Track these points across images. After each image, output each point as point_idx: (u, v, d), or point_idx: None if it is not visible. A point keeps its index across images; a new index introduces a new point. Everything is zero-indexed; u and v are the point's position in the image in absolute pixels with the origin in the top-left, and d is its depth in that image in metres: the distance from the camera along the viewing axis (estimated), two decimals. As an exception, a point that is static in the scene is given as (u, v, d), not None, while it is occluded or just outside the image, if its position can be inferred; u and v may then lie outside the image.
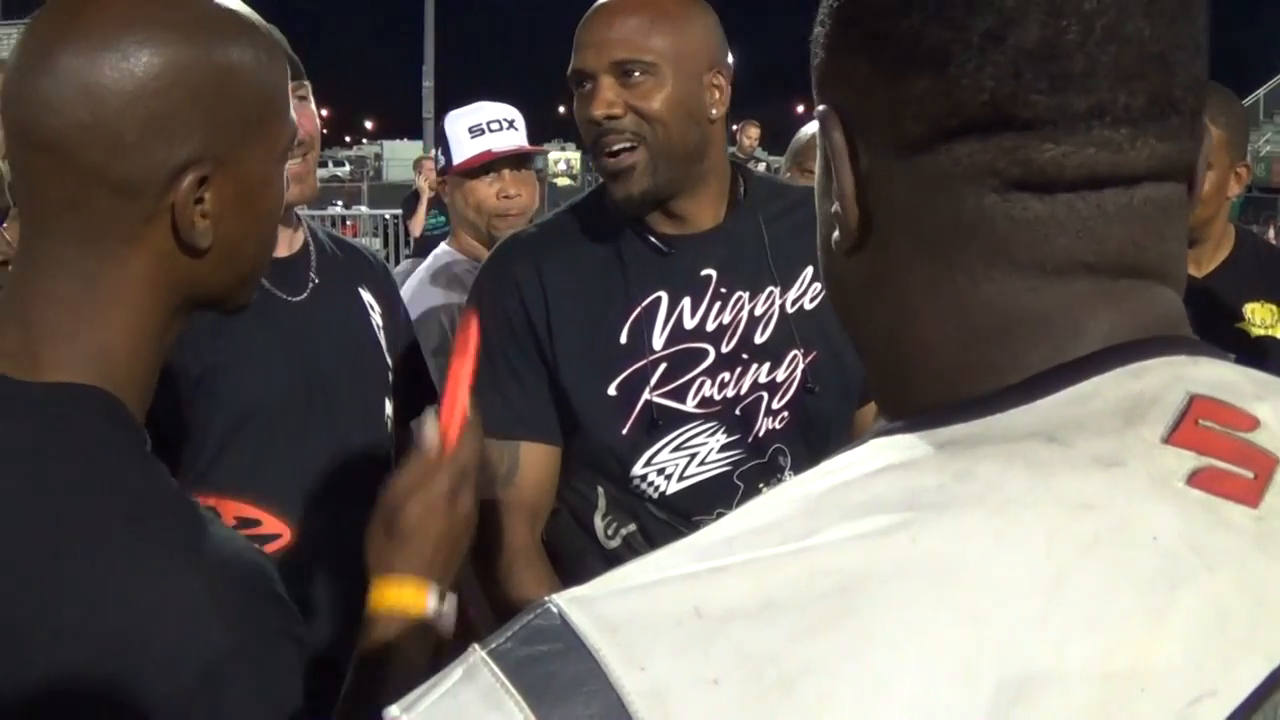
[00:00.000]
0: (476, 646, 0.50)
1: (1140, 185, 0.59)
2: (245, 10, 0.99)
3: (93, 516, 0.86)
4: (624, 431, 1.80)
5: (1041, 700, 0.46)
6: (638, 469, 1.81)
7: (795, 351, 1.86)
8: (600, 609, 0.49)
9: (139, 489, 0.90)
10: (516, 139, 2.94)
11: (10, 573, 0.83)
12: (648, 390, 1.80)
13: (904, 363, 0.64)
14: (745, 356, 1.84)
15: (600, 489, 1.86)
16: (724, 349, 1.83)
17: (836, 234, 0.66)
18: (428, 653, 1.14)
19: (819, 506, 0.52)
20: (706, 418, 1.82)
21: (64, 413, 0.90)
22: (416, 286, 2.82)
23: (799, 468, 1.68)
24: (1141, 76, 0.57)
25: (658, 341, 1.81)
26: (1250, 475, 0.53)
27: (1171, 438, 0.53)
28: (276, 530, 1.79)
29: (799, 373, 1.86)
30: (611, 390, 1.81)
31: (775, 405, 1.85)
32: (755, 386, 1.84)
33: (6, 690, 0.81)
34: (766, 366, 1.85)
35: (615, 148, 1.75)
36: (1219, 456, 0.53)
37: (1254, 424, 0.55)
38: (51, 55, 0.89)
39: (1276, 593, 0.51)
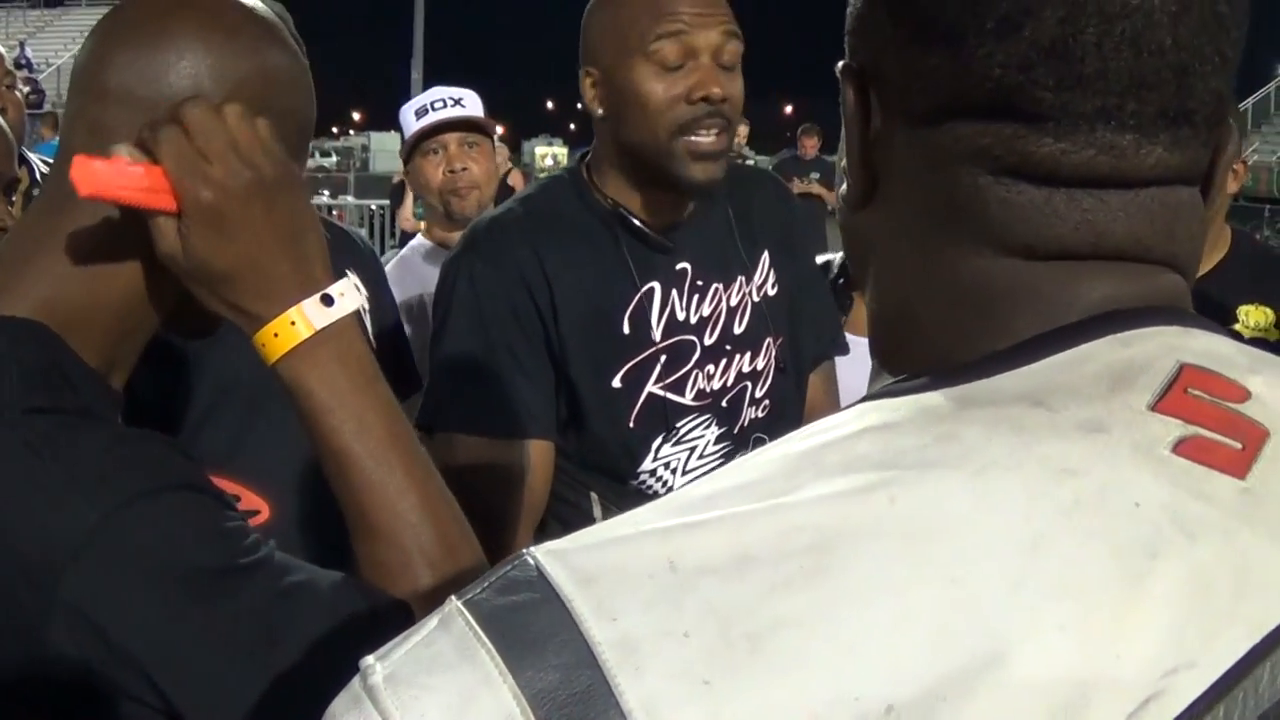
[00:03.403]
0: (454, 596, 0.50)
1: (1147, 188, 0.58)
2: (294, 43, 1.08)
3: None
4: (631, 424, 1.77)
5: (1015, 662, 0.46)
6: (647, 464, 1.78)
7: (768, 338, 1.86)
8: (576, 561, 0.49)
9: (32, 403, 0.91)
10: (462, 114, 2.86)
11: None
12: (651, 382, 1.77)
13: (898, 323, 0.64)
14: (728, 348, 1.83)
15: (593, 494, 1.82)
16: (708, 341, 1.81)
17: (844, 188, 0.66)
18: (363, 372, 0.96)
19: (799, 465, 0.52)
20: (701, 410, 1.80)
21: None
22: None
23: None
24: (1155, 86, 0.56)
25: (657, 333, 1.78)
26: (1238, 446, 0.53)
27: (1159, 405, 0.53)
28: (255, 506, 1.78)
29: (773, 359, 1.86)
30: (616, 382, 1.77)
31: (758, 394, 1.84)
32: (740, 377, 1.83)
33: None
34: (748, 356, 1.84)
35: (714, 130, 1.71)
36: (1207, 426, 0.53)
37: (1245, 395, 0.55)
38: (160, 36, 0.97)
39: (1261, 565, 0.50)
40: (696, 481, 0.53)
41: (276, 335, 0.93)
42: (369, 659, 0.50)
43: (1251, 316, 2.50)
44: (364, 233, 14.25)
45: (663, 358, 1.78)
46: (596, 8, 1.79)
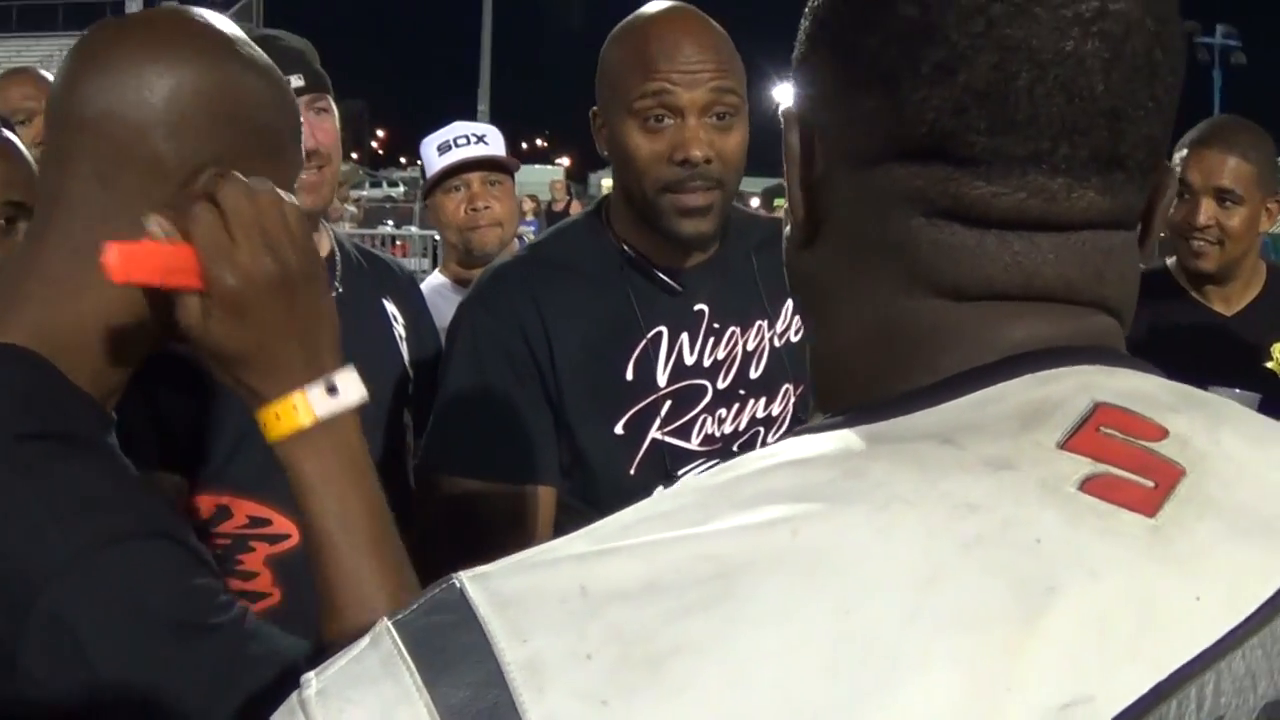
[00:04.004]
0: (385, 616, 0.52)
1: (1078, 232, 0.59)
2: (266, 61, 1.10)
3: None
4: (632, 471, 1.75)
5: (903, 694, 0.47)
6: None
7: (787, 385, 1.84)
8: (496, 584, 0.51)
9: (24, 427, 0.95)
10: (486, 152, 2.85)
11: None
12: (654, 429, 1.75)
13: (832, 361, 0.66)
14: (742, 392, 1.80)
15: None
16: (721, 385, 1.79)
17: (788, 228, 0.68)
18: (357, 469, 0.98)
19: (715, 497, 0.53)
20: (709, 455, 1.77)
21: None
22: None
23: None
24: (1086, 131, 0.57)
25: (662, 378, 1.76)
26: (1150, 485, 0.53)
27: (1068, 443, 0.54)
28: (286, 530, 1.82)
29: (790, 406, 1.83)
30: (619, 429, 1.75)
31: (771, 440, 1.80)
32: (753, 422, 1.81)
33: None
34: (763, 402, 1.82)
35: (698, 190, 1.68)
36: (1117, 464, 0.54)
37: (1162, 434, 0.55)
38: (117, 58, 1.01)
39: (1167, 603, 0.51)
40: (620, 511, 0.55)
41: (278, 417, 0.97)
42: (309, 674, 0.52)
43: None
44: (427, 262, 14.42)
45: (668, 403, 1.76)
46: (607, 45, 1.79)
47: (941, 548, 0.50)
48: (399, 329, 2.09)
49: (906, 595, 0.48)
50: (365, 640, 0.52)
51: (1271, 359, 2.44)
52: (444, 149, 2.84)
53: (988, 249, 0.59)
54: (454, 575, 0.52)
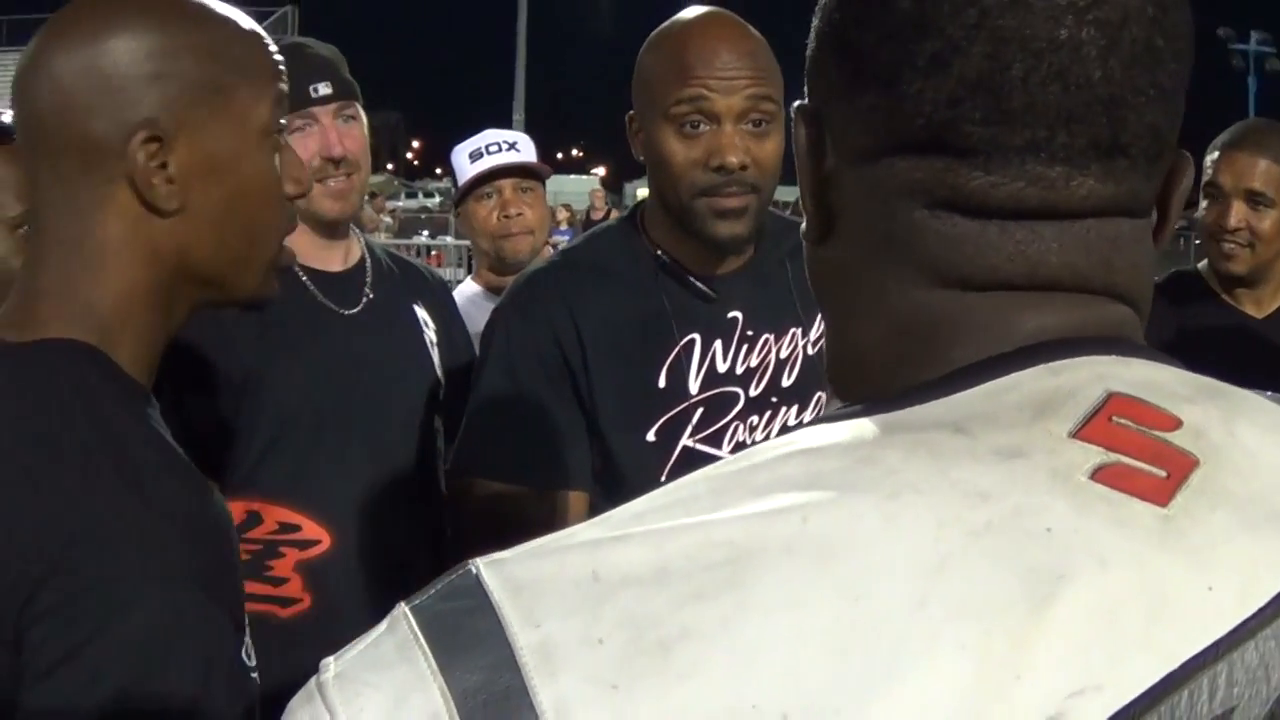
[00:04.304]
0: (403, 602, 0.53)
1: (1081, 220, 0.59)
2: (191, 9, 1.07)
3: (50, 445, 0.95)
4: (662, 479, 1.72)
5: (911, 681, 0.47)
6: None
7: (821, 393, 1.83)
8: (510, 570, 0.52)
9: (104, 424, 0.97)
10: (518, 159, 2.84)
11: None
12: (686, 436, 1.75)
13: (848, 354, 0.66)
14: (775, 400, 1.80)
15: None
16: (753, 393, 1.78)
17: (804, 224, 0.68)
18: None
19: (727, 485, 0.54)
20: None
21: (46, 360, 0.99)
22: None
23: None
24: (1084, 119, 0.57)
25: (694, 385, 1.75)
26: (1162, 474, 0.53)
27: (1080, 432, 0.54)
28: (316, 536, 1.83)
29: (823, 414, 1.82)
30: (651, 436, 1.74)
31: None
32: (785, 430, 1.74)
33: None
34: (795, 409, 1.81)
35: (734, 196, 1.67)
36: (1129, 454, 0.53)
37: (1175, 424, 0.55)
38: (33, 56, 1.03)
39: (1178, 593, 0.50)
40: (635, 500, 0.56)
41: None
42: (328, 659, 0.53)
43: None
44: (463, 271, 14.49)
45: (700, 410, 1.75)
46: (643, 53, 1.78)
47: (951, 535, 0.50)
48: (430, 334, 2.11)
49: (915, 582, 0.49)
50: (383, 625, 0.53)
51: None
52: (475, 156, 2.83)
53: (990, 239, 0.59)
54: (470, 561, 0.53)
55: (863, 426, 0.56)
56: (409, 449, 1.99)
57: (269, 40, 1.10)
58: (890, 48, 0.59)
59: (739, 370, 1.78)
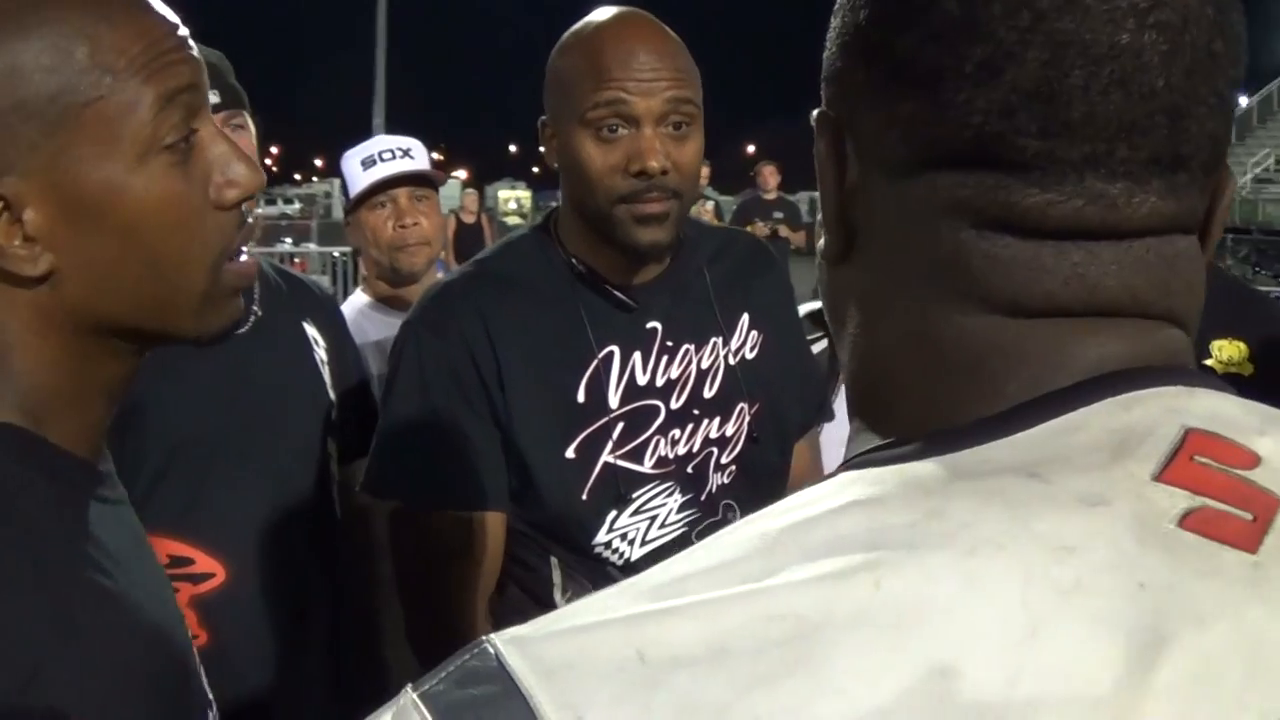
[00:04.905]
0: (409, 687, 0.46)
1: (1141, 239, 0.55)
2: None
3: None
4: (584, 497, 1.68)
5: None
6: (601, 536, 1.69)
7: (742, 404, 1.78)
8: (538, 650, 0.45)
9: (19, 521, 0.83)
10: (412, 167, 2.75)
11: None
12: (606, 452, 1.69)
13: (880, 384, 0.60)
14: (696, 412, 1.75)
15: (553, 559, 1.72)
16: (674, 405, 1.73)
17: (822, 243, 0.63)
18: None
19: (778, 545, 0.48)
20: (663, 478, 1.71)
21: None
22: None
23: None
24: (1147, 131, 0.53)
25: (614, 399, 1.70)
26: (1249, 517, 0.49)
27: (1163, 475, 0.49)
28: (209, 569, 1.73)
29: (745, 425, 1.78)
30: (570, 453, 1.68)
31: (724, 460, 1.76)
32: (707, 442, 1.75)
33: None
34: (717, 421, 1.76)
35: (655, 201, 1.62)
36: (1215, 496, 0.49)
37: (1254, 461, 0.51)
38: None
39: (1272, 646, 0.47)
40: (670, 560, 0.50)
41: None
42: None
43: (1224, 351, 2.47)
44: (327, 280, 14.26)
45: (620, 425, 1.70)
46: (555, 55, 1.71)
47: (1039, 596, 0.45)
48: (320, 353, 2.01)
49: (1008, 653, 0.44)
50: (386, 716, 0.46)
51: (1210, 356, 2.45)
52: (368, 163, 2.72)
53: (1044, 262, 0.54)
54: (485, 639, 0.46)
55: (921, 471, 0.51)
56: (305, 474, 1.89)
57: (147, 9, 0.88)
58: (933, 52, 0.54)
59: (659, 382, 1.73)
